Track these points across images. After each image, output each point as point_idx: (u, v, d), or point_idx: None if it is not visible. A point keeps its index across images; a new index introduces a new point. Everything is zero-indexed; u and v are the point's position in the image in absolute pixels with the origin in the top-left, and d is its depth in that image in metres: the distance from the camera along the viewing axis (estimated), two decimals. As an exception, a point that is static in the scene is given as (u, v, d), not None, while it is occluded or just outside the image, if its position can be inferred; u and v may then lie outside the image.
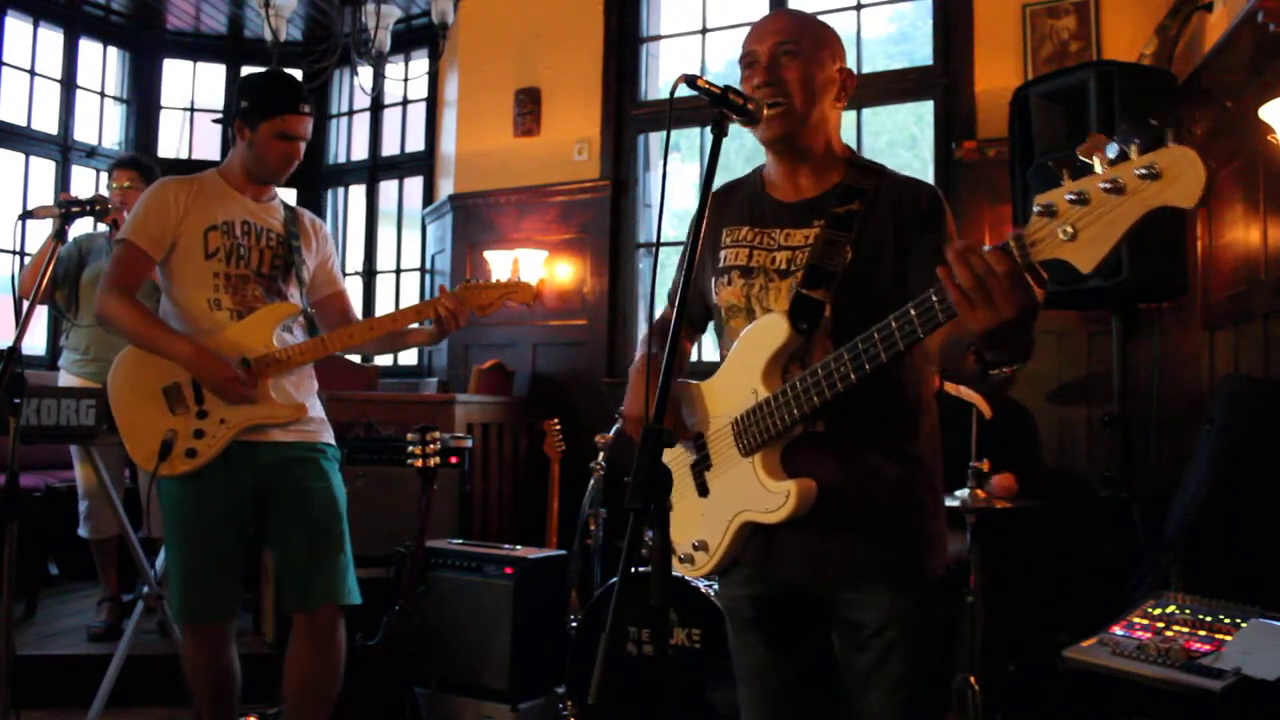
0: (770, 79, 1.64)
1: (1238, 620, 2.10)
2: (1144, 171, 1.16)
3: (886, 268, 1.60)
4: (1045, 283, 1.32)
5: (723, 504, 1.68)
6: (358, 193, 6.45)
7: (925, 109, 4.48)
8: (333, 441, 2.69)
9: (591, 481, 3.56)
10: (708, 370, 1.74)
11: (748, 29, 1.73)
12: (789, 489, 1.56)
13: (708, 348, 5.16)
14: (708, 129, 1.55)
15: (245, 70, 6.29)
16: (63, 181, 5.89)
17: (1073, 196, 1.21)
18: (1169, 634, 2.12)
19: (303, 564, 2.54)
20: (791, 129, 1.65)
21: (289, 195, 2.82)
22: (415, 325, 2.71)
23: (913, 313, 1.39)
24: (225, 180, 2.64)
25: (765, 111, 1.60)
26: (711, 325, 1.87)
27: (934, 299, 1.35)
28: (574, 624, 3.22)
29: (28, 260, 5.14)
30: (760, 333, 1.63)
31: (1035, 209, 1.25)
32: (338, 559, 2.56)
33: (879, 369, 1.45)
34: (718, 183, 1.73)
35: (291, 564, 2.57)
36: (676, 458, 1.76)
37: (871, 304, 1.46)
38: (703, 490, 1.72)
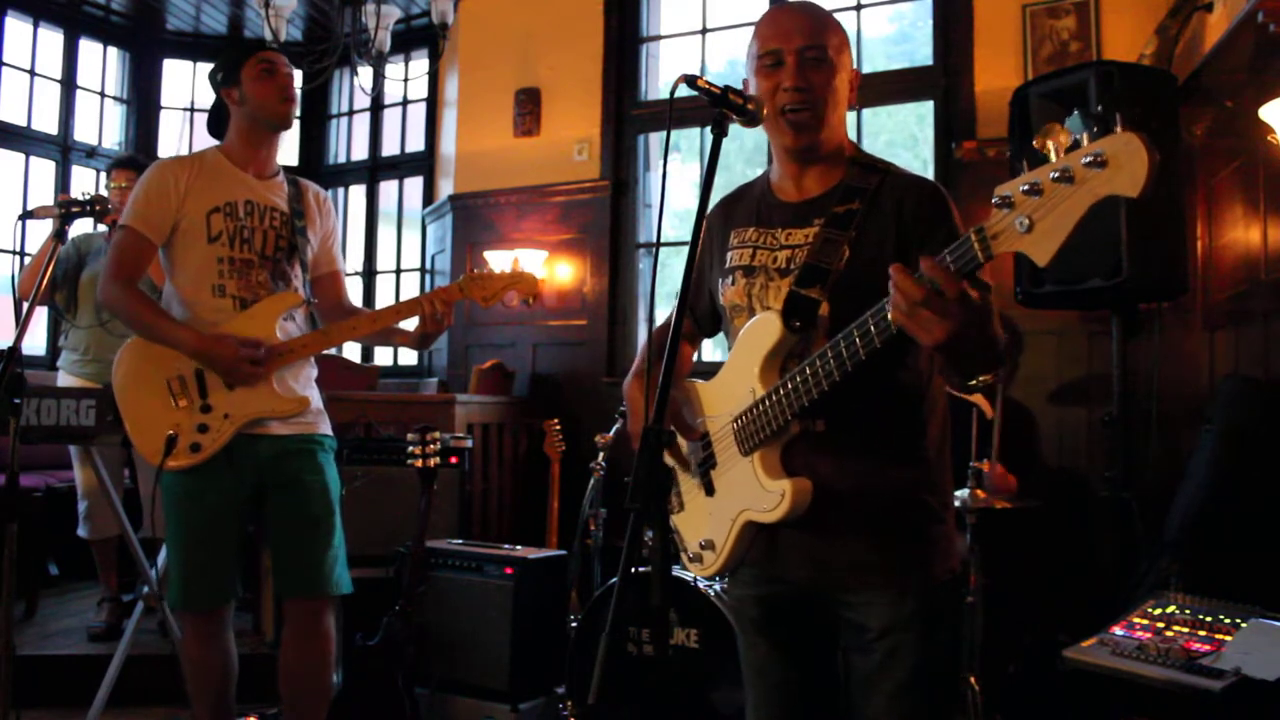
0: (800, 83, 1.64)
1: (1238, 620, 2.10)
2: (1090, 159, 1.14)
3: (885, 266, 1.59)
4: (986, 286, 1.31)
5: (727, 503, 1.68)
6: (358, 193, 6.46)
7: (925, 109, 4.48)
8: (330, 432, 2.69)
9: (591, 481, 3.56)
10: (712, 371, 1.75)
11: (749, 28, 1.72)
12: (784, 488, 1.56)
13: (710, 349, 5.16)
14: (708, 129, 1.55)
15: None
16: (63, 181, 5.89)
17: (1026, 187, 1.20)
18: (1169, 634, 2.12)
19: (294, 553, 2.56)
20: (817, 138, 1.66)
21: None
22: (405, 326, 2.70)
23: (887, 308, 1.39)
24: (227, 157, 2.61)
25: (789, 116, 1.62)
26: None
27: None
28: (574, 624, 3.22)
29: (27, 260, 5.14)
30: (755, 331, 1.64)
31: (994, 201, 1.23)
32: (328, 549, 2.57)
33: (864, 365, 1.44)
34: (719, 184, 1.73)
35: (283, 553, 2.59)
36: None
37: (870, 302, 1.44)
38: (709, 490, 1.73)
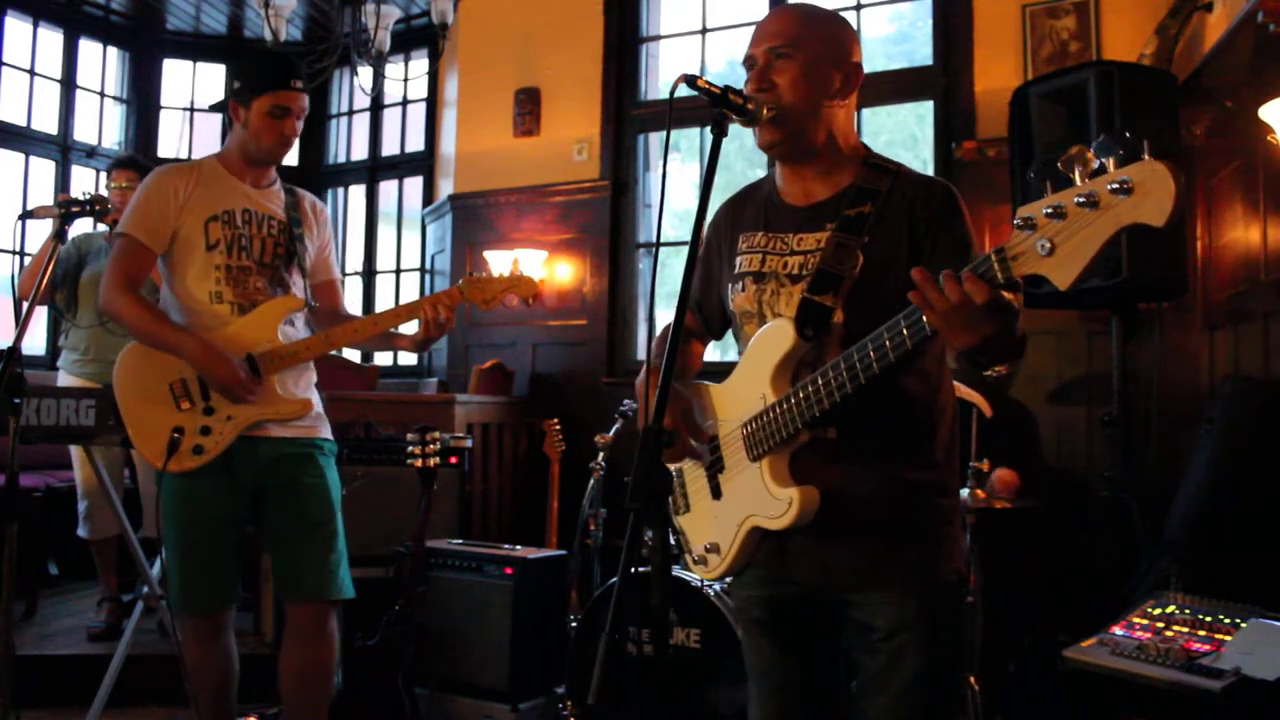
0: (762, 84, 1.63)
1: (1238, 620, 2.10)
2: (1116, 186, 1.13)
3: (899, 271, 1.56)
4: (1021, 287, 1.31)
5: (733, 507, 1.68)
6: (358, 193, 6.45)
7: (925, 109, 4.48)
8: (330, 436, 2.69)
9: (591, 481, 3.56)
10: (724, 372, 1.74)
11: (749, 28, 1.72)
12: (792, 496, 1.56)
13: (711, 349, 5.16)
14: (708, 129, 1.55)
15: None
16: (62, 181, 5.89)
17: (1049, 210, 1.19)
18: (1169, 634, 2.12)
19: (295, 557, 2.56)
20: (782, 135, 1.64)
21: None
22: (404, 329, 2.69)
23: (902, 324, 1.39)
24: (224, 166, 2.61)
25: (764, 113, 1.60)
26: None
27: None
28: (574, 624, 3.22)
29: (27, 260, 5.14)
30: (767, 338, 1.63)
31: (1016, 222, 1.23)
32: (330, 553, 2.56)
33: (876, 378, 1.44)
34: (719, 184, 1.73)
35: (285, 557, 2.59)
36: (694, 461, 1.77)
37: (884, 308, 1.44)
38: (716, 493, 1.72)
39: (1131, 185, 1.13)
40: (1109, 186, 1.14)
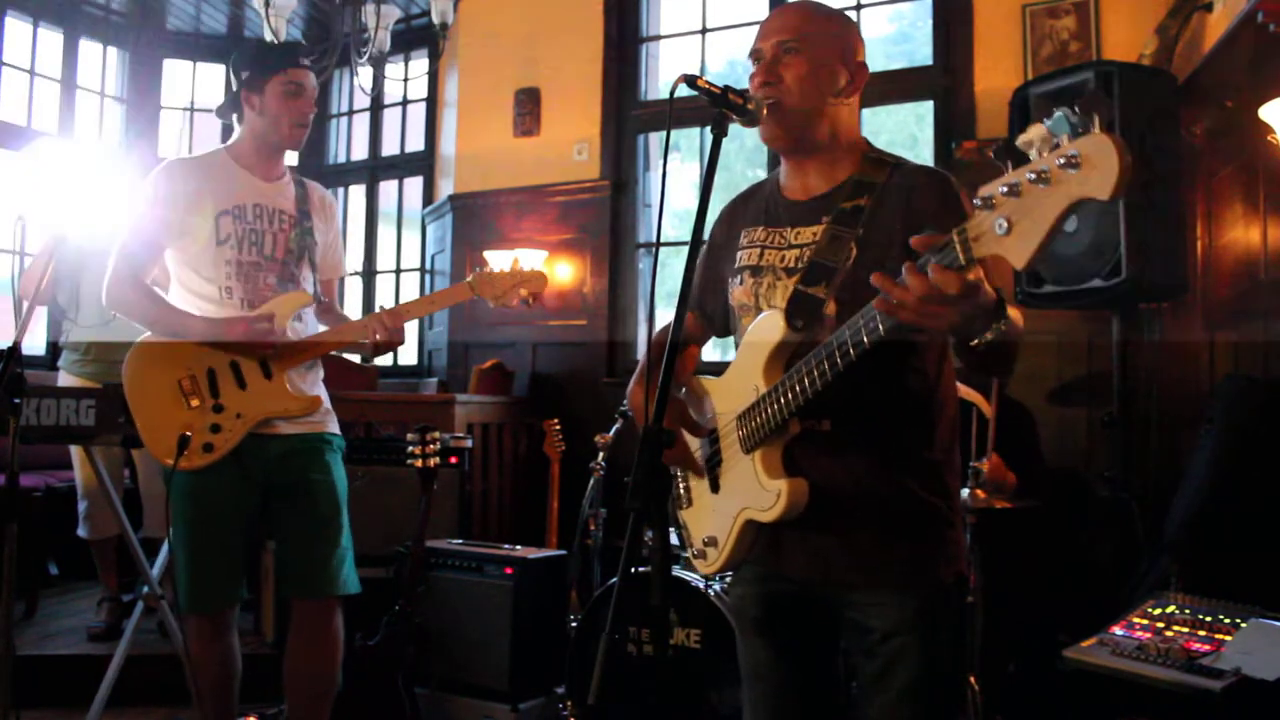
0: (769, 78, 1.64)
1: (1238, 620, 2.10)
2: (1064, 160, 1.11)
3: (894, 263, 1.57)
4: (975, 265, 1.29)
5: (729, 501, 1.68)
6: (358, 193, 6.45)
7: (925, 109, 4.48)
8: (338, 431, 2.69)
9: (591, 481, 3.56)
10: (719, 369, 1.75)
11: (749, 28, 1.72)
12: (780, 488, 1.56)
13: (709, 349, 5.16)
14: (708, 129, 1.55)
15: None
16: (63, 181, 5.89)
17: (1005, 188, 1.17)
18: (1169, 634, 2.12)
19: (302, 553, 2.56)
20: (786, 130, 1.64)
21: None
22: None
23: (873, 309, 1.37)
24: (235, 160, 2.60)
25: (763, 112, 1.60)
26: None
27: None
28: (574, 624, 3.22)
29: (28, 261, 5.14)
30: (759, 331, 1.63)
31: (975, 202, 1.21)
32: (336, 549, 2.56)
33: (855, 367, 1.42)
34: (719, 184, 1.73)
35: (291, 553, 2.59)
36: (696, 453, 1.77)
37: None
38: (715, 486, 1.73)
39: (1079, 159, 1.10)
40: (1058, 161, 1.12)
